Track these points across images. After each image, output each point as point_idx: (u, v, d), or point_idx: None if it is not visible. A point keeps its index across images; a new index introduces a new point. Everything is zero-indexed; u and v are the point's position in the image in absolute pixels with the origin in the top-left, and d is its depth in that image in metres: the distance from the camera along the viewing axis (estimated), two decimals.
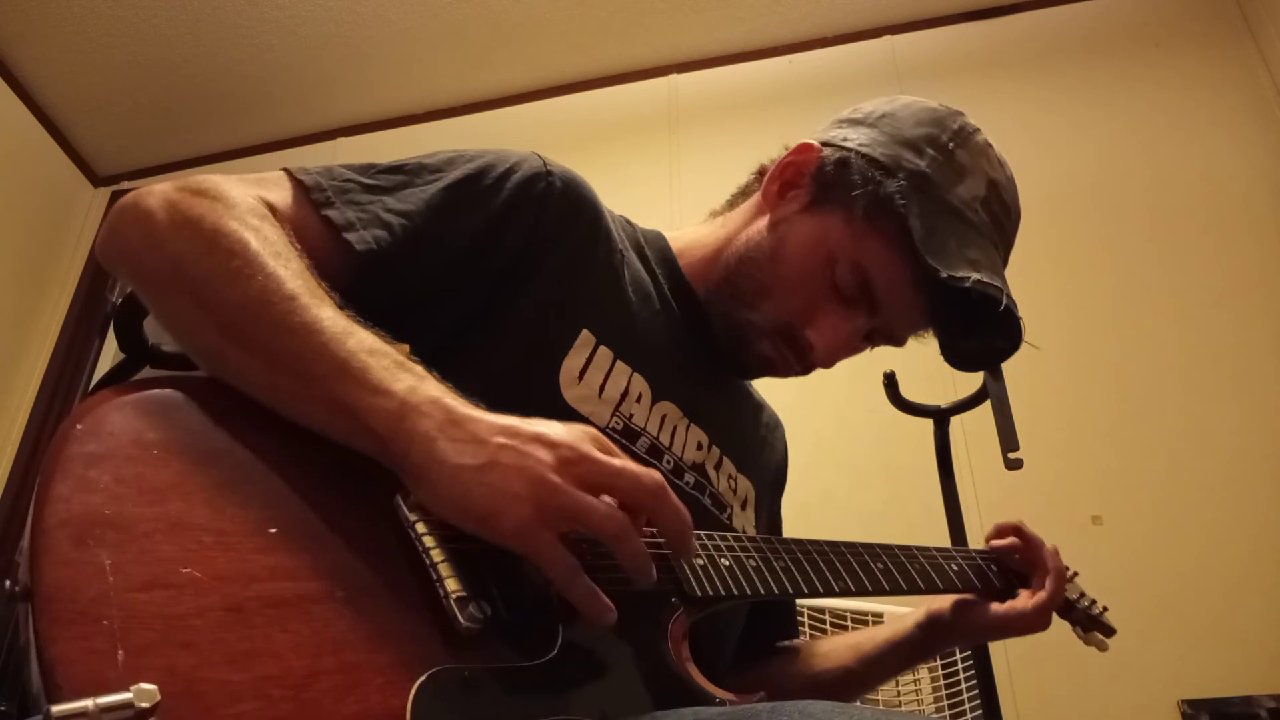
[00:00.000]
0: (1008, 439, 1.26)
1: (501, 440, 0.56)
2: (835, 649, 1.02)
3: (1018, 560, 0.98)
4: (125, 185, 3.46)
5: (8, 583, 0.48)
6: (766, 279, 0.86)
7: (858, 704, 0.68)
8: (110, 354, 3.15)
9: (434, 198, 0.75)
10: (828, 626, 1.67)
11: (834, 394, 2.26)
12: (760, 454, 1.00)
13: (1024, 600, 0.93)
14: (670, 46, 3.06)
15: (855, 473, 2.27)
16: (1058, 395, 2.27)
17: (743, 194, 0.96)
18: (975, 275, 0.78)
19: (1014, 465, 1.21)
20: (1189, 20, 2.69)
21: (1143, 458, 2.19)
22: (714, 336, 0.90)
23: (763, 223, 0.89)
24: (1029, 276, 2.42)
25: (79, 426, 0.53)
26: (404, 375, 0.58)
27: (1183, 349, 2.29)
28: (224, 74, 3.13)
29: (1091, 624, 1.04)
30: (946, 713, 1.58)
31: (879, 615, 1.64)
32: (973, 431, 2.04)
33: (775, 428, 1.06)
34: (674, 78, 3.08)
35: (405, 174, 0.76)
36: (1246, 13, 2.64)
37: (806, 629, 1.68)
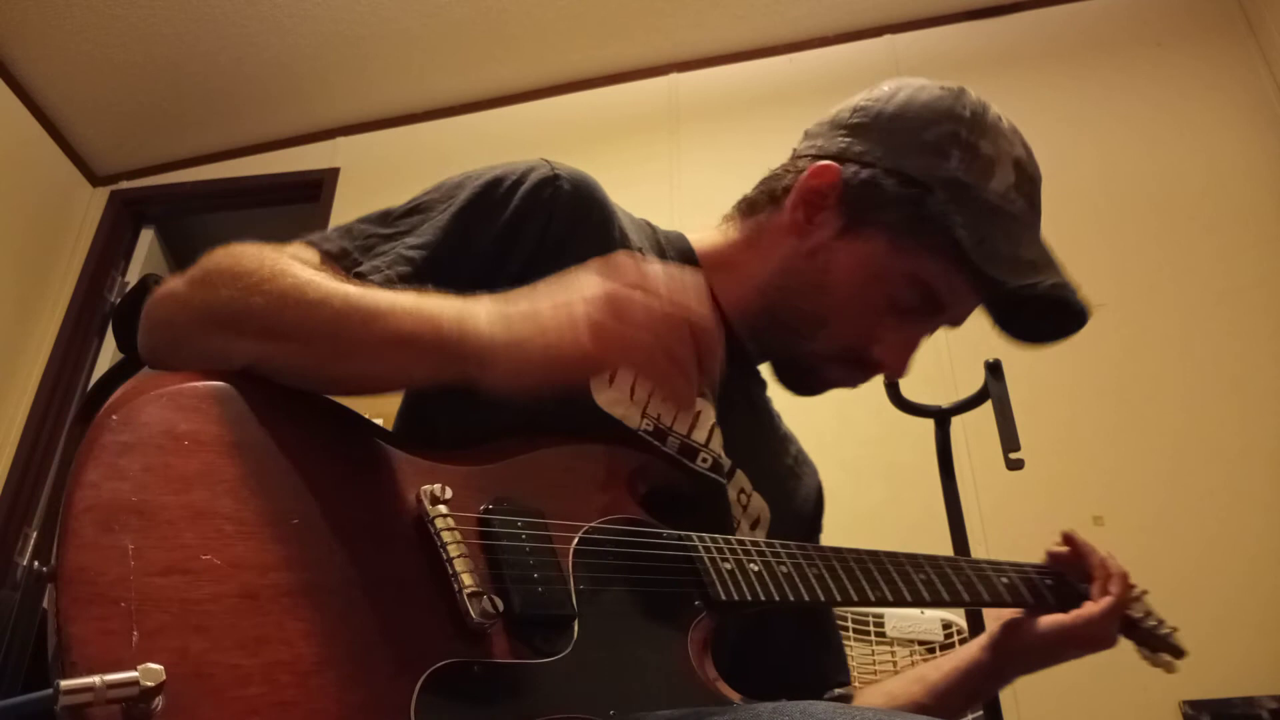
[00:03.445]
0: (1009, 439, 1.26)
1: (565, 282, 0.61)
2: (899, 686, 0.96)
3: (1076, 574, 0.94)
4: (124, 185, 3.46)
5: (35, 563, 0.50)
6: (819, 310, 0.85)
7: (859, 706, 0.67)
8: (109, 354, 3.15)
9: (448, 223, 0.75)
10: None
11: (834, 394, 2.25)
12: (785, 484, 0.97)
13: (1088, 610, 0.89)
14: (670, 46, 3.05)
15: (856, 473, 2.27)
16: (1059, 395, 2.27)
17: (753, 206, 0.93)
18: (1041, 279, 0.79)
19: (1015, 466, 1.21)
20: (1190, 19, 2.69)
21: (1144, 458, 2.18)
22: (774, 362, 0.92)
23: (796, 249, 0.87)
24: None
25: (114, 416, 0.54)
26: (433, 298, 0.61)
27: (1184, 349, 2.29)
28: (223, 73, 3.13)
29: (1159, 644, 1.00)
30: None
31: (880, 617, 1.63)
32: (974, 432, 2.03)
33: (806, 464, 1.03)
34: (674, 77, 3.08)
35: (421, 212, 0.77)
36: (1248, 12, 2.64)
37: None
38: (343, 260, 0.72)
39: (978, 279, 0.80)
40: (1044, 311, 0.84)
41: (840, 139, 0.87)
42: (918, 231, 0.81)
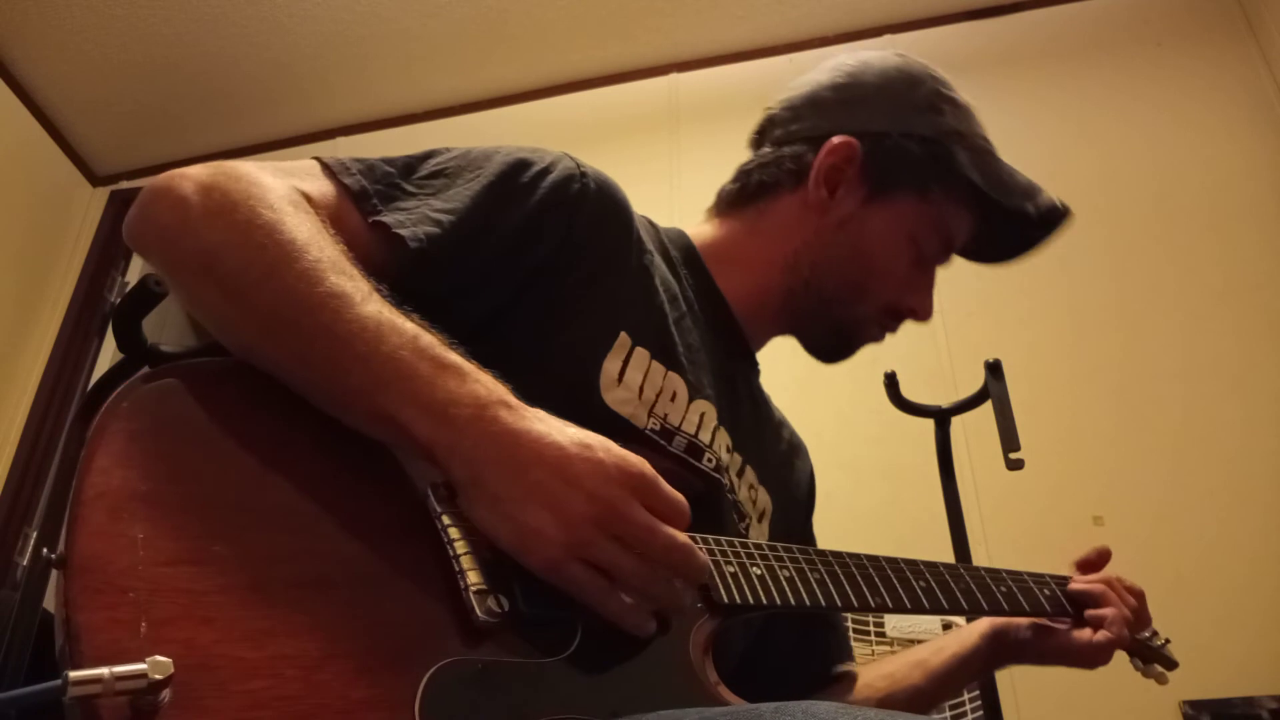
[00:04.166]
0: (1009, 439, 1.26)
1: (540, 477, 0.56)
2: (900, 669, 1.00)
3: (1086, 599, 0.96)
4: (124, 185, 3.46)
5: (44, 550, 0.50)
6: (857, 276, 0.91)
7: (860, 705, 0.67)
8: (109, 354, 3.14)
9: (477, 194, 0.75)
10: None
11: (834, 394, 2.26)
12: (782, 472, 0.99)
13: (1087, 634, 0.92)
14: (670, 46, 3.05)
15: (855, 473, 2.27)
16: (1059, 395, 2.27)
17: (747, 196, 0.96)
18: (1047, 198, 0.92)
19: (1015, 466, 1.21)
20: (1190, 19, 2.69)
21: (1144, 458, 2.18)
22: (808, 336, 0.96)
23: (821, 225, 0.91)
24: (1031, 275, 2.42)
25: (125, 404, 0.54)
26: (444, 380, 0.58)
27: (1185, 349, 2.29)
28: (222, 73, 3.13)
29: (1152, 655, 1.01)
30: (948, 712, 1.57)
31: (880, 623, 1.64)
32: (974, 432, 2.03)
33: (799, 448, 1.05)
34: (674, 77, 3.08)
35: (445, 177, 0.76)
36: (1248, 12, 2.64)
37: None
38: (362, 203, 0.71)
39: (995, 213, 0.90)
40: (1030, 226, 0.94)
41: (834, 117, 0.93)
42: (941, 184, 0.89)
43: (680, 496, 0.61)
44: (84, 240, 3.32)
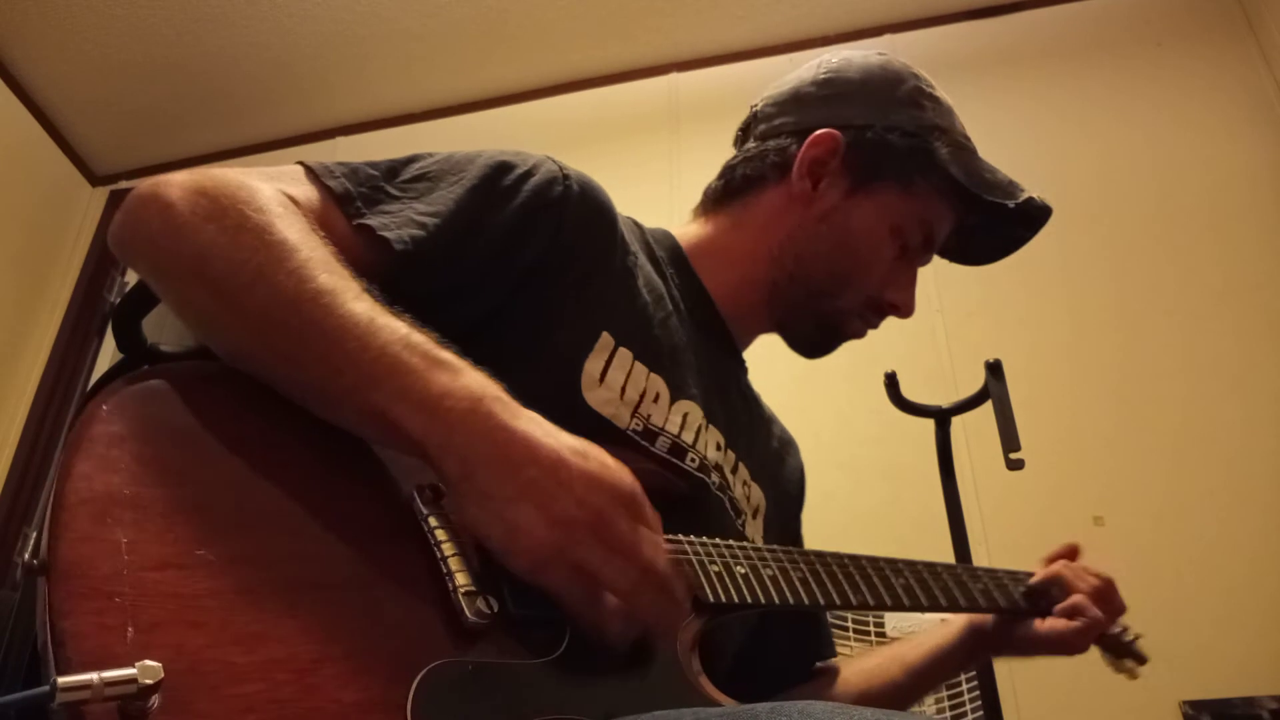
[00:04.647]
0: (1009, 439, 1.26)
1: (533, 474, 0.55)
2: (880, 664, 1.00)
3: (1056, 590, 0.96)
4: (123, 184, 3.46)
5: (25, 556, 0.49)
6: (842, 268, 0.92)
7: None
8: (109, 354, 3.14)
9: (461, 197, 0.75)
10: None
11: (834, 394, 2.26)
12: (774, 467, 1.00)
13: (1062, 622, 0.93)
14: (670, 45, 3.05)
15: (855, 473, 2.27)
16: (1059, 395, 2.27)
17: (731, 191, 0.96)
18: (1025, 193, 0.91)
19: (1015, 466, 1.21)
20: (1190, 19, 2.69)
21: (1144, 458, 2.18)
22: (792, 330, 0.96)
23: (804, 217, 0.92)
24: (1031, 275, 2.42)
25: (105, 407, 0.53)
26: (437, 375, 0.57)
27: (1185, 349, 2.29)
28: (222, 73, 3.13)
29: (1123, 650, 1.02)
30: (948, 713, 1.57)
31: (880, 622, 1.63)
32: (974, 432, 2.03)
33: (789, 443, 1.06)
34: (674, 77, 3.08)
35: (428, 180, 0.77)
36: (1248, 12, 2.64)
37: None
38: (346, 205, 0.71)
39: (975, 208, 0.91)
40: (1012, 225, 0.95)
41: (818, 111, 0.93)
42: (924, 176, 0.90)
43: (655, 518, 0.60)
44: (84, 240, 3.32)
